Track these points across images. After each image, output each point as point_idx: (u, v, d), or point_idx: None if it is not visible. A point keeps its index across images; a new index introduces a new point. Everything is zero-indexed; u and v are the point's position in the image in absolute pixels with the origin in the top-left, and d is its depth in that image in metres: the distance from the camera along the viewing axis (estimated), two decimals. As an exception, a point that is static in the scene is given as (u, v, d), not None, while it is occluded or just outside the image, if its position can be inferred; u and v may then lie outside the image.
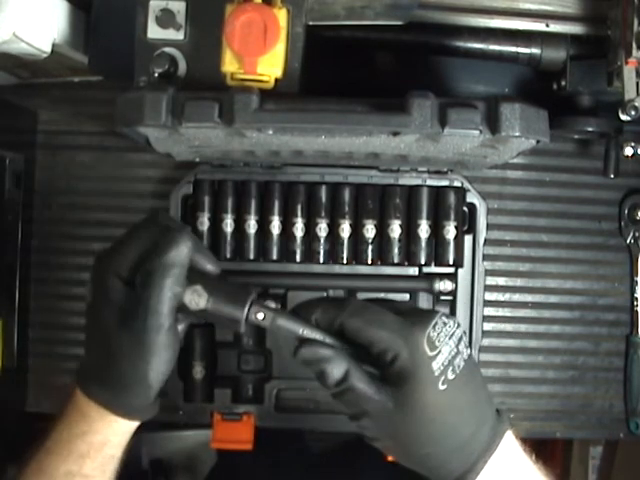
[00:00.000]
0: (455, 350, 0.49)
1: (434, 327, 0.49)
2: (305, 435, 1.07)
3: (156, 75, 0.62)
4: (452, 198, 0.75)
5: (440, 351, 0.48)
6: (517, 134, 0.55)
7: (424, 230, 0.75)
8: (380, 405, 0.48)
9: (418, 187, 0.75)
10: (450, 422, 0.49)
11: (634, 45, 0.60)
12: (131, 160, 0.81)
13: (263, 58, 0.58)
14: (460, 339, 0.50)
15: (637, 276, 0.80)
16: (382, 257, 0.75)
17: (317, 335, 0.50)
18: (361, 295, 0.78)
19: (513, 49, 0.72)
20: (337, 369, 0.49)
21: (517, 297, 0.80)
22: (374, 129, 0.57)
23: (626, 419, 0.80)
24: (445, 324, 0.50)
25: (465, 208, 0.76)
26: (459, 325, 0.51)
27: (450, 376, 0.48)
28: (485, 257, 0.77)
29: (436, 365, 0.48)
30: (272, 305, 0.53)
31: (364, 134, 0.59)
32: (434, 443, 0.49)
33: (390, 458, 0.73)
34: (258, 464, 0.94)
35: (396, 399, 0.48)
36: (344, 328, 0.49)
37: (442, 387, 0.48)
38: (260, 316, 0.51)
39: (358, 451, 1.23)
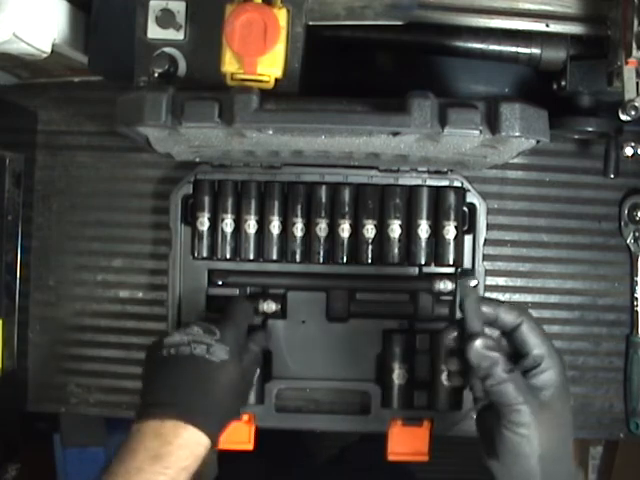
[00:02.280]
0: None
1: None
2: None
3: (156, 75, 0.62)
4: (452, 198, 0.75)
5: None
6: (517, 134, 0.55)
7: (424, 230, 0.75)
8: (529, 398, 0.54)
9: (418, 187, 0.75)
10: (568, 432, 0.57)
11: (634, 45, 0.60)
12: (131, 160, 0.81)
13: (263, 58, 0.58)
14: None
15: (637, 276, 0.79)
16: (382, 257, 0.75)
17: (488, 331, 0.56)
18: (361, 295, 0.78)
19: (513, 49, 0.72)
20: (501, 370, 0.53)
21: (517, 297, 0.80)
22: (374, 129, 0.57)
23: (626, 419, 0.80)
24: None
25: (465, 208, 0.76)
26: None
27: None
28: (485, 257, 0.76)
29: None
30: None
31: (364, 134, 0.59)
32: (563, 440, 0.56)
33: (390, 459, 0.73)
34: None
35: (540, 394, 0.55)
36: (521, 326, 0.56)
37: (571, 403, 0.58)
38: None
39: (358, 452, 1.23)
